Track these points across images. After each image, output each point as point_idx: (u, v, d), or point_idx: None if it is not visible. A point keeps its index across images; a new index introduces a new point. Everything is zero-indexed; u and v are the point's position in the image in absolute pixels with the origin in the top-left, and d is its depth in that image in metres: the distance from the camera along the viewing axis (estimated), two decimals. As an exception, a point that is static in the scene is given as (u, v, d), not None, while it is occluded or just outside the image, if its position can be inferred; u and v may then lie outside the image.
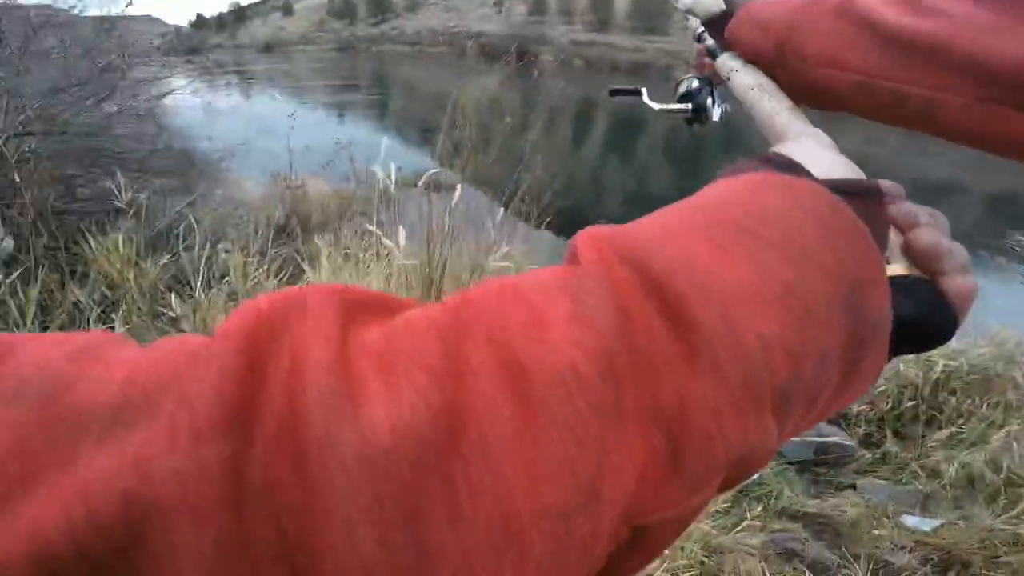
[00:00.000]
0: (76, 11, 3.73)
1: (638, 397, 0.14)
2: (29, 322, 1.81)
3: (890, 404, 2.78)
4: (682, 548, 1.68)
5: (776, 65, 0.40)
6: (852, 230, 0.17)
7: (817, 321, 0.15)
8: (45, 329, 1.94)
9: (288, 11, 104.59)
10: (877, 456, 2.65)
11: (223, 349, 0.13)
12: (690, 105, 0.54)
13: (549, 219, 3.66)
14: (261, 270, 2.53)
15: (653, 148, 16.85)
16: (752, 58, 0.43)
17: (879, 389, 3.22)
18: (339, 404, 0.12)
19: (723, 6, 0.49)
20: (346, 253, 2.70)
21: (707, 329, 0.14)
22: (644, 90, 0.60)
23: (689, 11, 0.56)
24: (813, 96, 0.39)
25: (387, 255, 2.54)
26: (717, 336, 0.14)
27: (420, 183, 2.83)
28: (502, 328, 0.14)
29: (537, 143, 3.56)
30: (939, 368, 2.41)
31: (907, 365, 2.50)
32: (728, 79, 0.45)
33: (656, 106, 0.57)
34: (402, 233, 2.19)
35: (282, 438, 0.12)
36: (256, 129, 4.63)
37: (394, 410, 0.12)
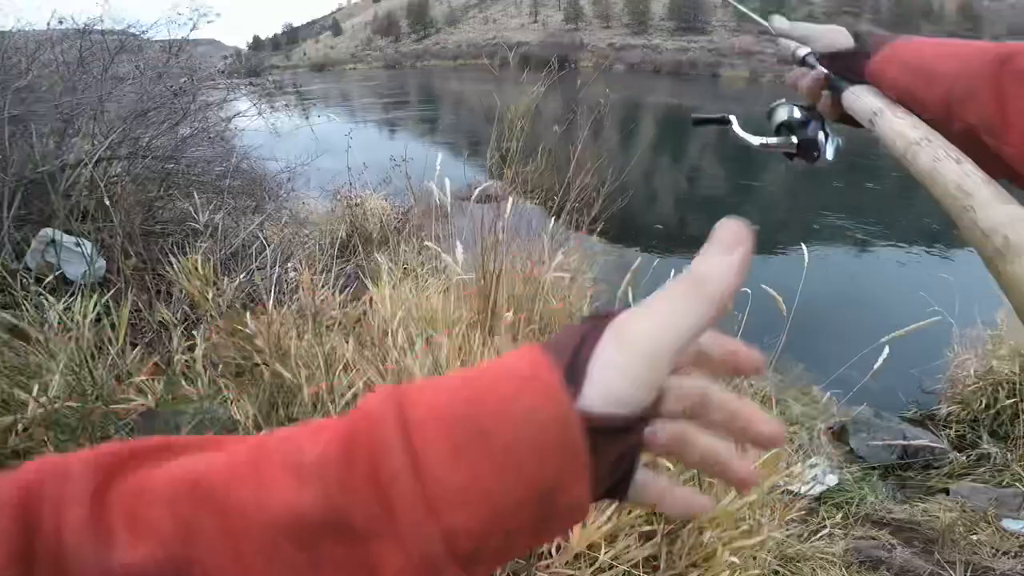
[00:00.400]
0: (146, 36, 4.01)
1: (345, 556, 0.20)
2: (121, 340, 1.94)
3: (984, 403, 2.59)
4: (754, 557, 1.63)
5: (941, 121, 0.34)
6: (571, 449, 0.21)
7: (505, 517, 0.21)
8: (135, 347, 2.07)
9: (337, 31, 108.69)
10: (972, 458, 2.49)
11: (4, 514, 0.20)
12: (794, 139, 0.47)
13: (601, 226, 3.65)
14: (327, 287, 2.64)
15: (704, 148, 16.49)
16: (899, 101, 0.37)
17: (970, 388, 2.99)
18: (86, 554, 0.19)
19: (851, 43, 0.43)
20: (405, 268, 2.77)
21: (405, 524, 0.20)
22: (733, 119, 0.53)
23: (784, 34, 0.49)
24: (994, 168, 0.31)
25: (444, 269, 2.60)
26: (412, 530, 0.20)
27: (473, 196, 2.88)
28: (227, 499, 0.21)
29: (584, 150, 3.56)
30: (1037, 363, 2.26)
31: (1001, 362, 2.34)
32: (872, 123, 0.39)
33: (754, 140, 0.49)
34: (459, 248, 2.24)
35: None
36: (316, 148, 4.82)
37: (130, 558, 0.19)
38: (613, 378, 0.22)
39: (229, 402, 1.70)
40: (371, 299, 2.38)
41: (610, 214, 3.68)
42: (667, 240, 7.60)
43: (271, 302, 2.34)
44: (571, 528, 0.22)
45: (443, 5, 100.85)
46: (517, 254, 2.95)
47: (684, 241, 7.49)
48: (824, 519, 1.75)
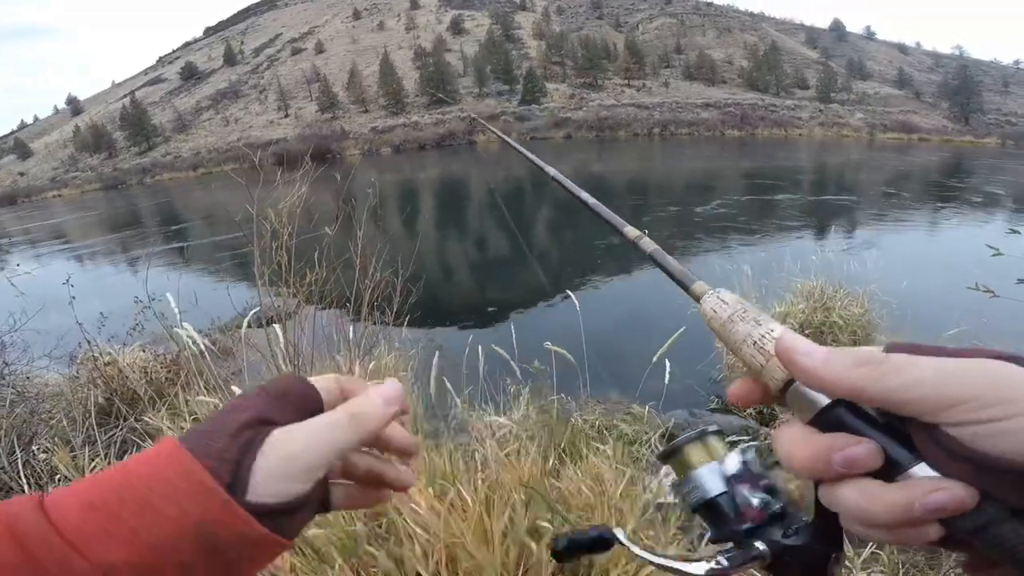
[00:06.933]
0: None
1: None
2: None
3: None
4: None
5: None
6: (205, 494, 0.29)
7: (164, 549, 0.28)
8: None
9: (24, 152, 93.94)
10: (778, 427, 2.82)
11: None
12: (761, 546, 0.30)
13: (408, 314, 3.74)
14: (97, 460, 2.42)
15: (482, 212, 17.95)
16: None
17: (743, 369, 3.55)
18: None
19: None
20: (196, 418, 2.57)
21: (48, 563, 0.26)
22: (617, 532, 0.36)
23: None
24: None
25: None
26: (57, 568, 0.26)
27: (246, 322, 2.82)
28: None
29: (369, 243, 3.66)
30: None
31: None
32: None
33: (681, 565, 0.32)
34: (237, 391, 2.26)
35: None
36: (31, 306, 4.19)
37: None
38: (271, 482, 0.32)
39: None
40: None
41: (414, 299, 3.80)
42: (472, 313, 8.03)
43: (30, 490, 2.17)
44: (267, 562, 0.34)
45: (166, 112, 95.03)
46: (324, 368, 2.90)
47: (484, 312, 8.03)
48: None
